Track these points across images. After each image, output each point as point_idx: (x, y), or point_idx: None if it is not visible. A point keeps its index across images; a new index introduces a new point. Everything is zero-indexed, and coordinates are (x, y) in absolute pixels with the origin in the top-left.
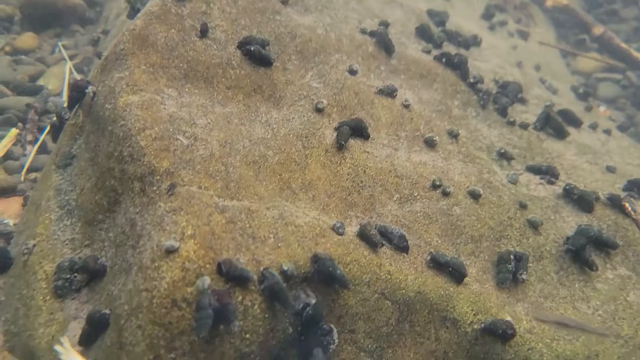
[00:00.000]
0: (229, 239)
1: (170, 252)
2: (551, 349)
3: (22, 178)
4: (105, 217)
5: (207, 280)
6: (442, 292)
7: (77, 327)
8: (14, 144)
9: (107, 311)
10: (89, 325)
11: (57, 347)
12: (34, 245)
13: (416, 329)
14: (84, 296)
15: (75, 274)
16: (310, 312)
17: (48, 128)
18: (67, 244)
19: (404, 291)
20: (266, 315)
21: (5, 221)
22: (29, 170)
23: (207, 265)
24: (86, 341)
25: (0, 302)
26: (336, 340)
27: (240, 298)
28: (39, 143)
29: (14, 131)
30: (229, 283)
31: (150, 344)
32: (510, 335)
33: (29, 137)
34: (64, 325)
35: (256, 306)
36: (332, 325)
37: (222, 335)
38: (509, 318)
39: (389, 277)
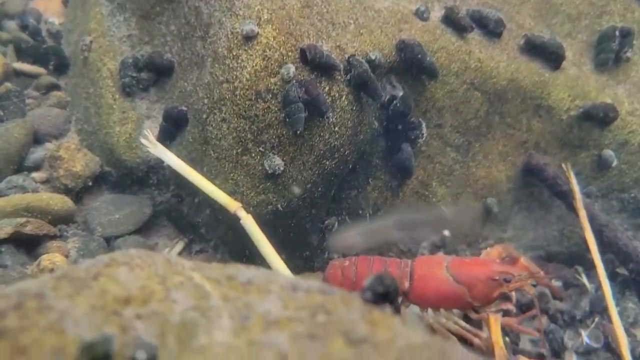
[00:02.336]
0: (307, 25)
1: (249, 38)
2: None
3: None
4: (163, 9)
5: (292, 68)
6: (537, 79)
7: (151, 126)
8: None
9: (184, 108)
10: (167, 122)
11: (143, 140)
12: (91, 42)
13: (507, 120)
14: (152, 95)
15: (141, 72)
16: (398, 104)
17: None
18: (124, 41)
19: (495, 80)
20: (353, 108)
21: (50, 19)
22: None
23: (289, 53)
24: (165, 139)
25: (68, 102)
26: (425, 134)
27: (327, 89)
28: None
29: None
30: (314, 73)
31: (237, 137)
32: (612, 118)
33: None
34: (138, 124)
35: (344, 98)
36: (421, 119)
37: (310, 128)
38: (609, 101)
39: (479, 65)
